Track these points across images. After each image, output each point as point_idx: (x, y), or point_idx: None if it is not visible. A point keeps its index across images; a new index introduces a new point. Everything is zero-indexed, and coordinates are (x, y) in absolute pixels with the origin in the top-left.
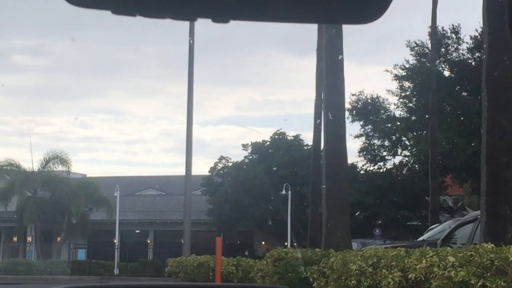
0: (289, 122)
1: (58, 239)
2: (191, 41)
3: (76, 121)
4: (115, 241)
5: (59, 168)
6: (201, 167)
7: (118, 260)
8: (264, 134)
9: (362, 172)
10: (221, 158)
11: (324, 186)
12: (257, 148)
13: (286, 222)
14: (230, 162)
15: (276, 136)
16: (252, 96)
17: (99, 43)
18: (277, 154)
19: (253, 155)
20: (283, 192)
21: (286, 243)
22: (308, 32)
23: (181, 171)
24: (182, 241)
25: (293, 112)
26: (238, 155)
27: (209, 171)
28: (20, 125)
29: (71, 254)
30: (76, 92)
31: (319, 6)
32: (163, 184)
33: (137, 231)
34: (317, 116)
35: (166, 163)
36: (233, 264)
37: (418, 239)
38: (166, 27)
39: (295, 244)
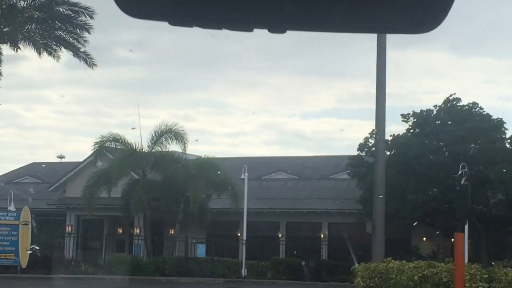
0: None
1: (172, 231)
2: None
3: (180, 114)
4: (239, 235)
5: (173, 146)
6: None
7: (245, 258)
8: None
9: None
10: (373, 132)
11: None
12: (422, 119)
13: (454, 213)
14: (389, 135)
15: (447, 105)
16: (354, 89)
17: (200, 36)
18: (449, 126)
19: (416, 129)
20: (459, 173)
21: (452, 240)
22: None
23: (316, 152)
24: (320, 236)
25: (394, 104)
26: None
27: (358, 149)
28: (123, 118)
29: (188, 250)
30: (179, 85)
31: (375, 17)
32: (295, 167)
33: (266, 223)
34: None
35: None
36: (482, 277)
37: None
38: None
39: (469, 240)
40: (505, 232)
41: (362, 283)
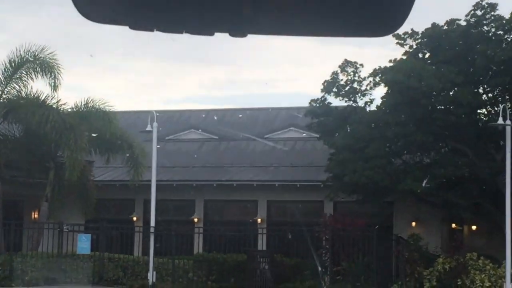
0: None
1: (36, 215)
2: None
3: None
4: (135, 219)
5: (39, 82)
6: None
7: (152, 254)
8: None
9: None
10: (346, 63)
11: None
12: (432, 38)
13: (473, 183)
14: (361, 71)
15: (473, 16)
16: (216, 76)
17: (57, 18)
18: (480, 48)
19: (423, 48)
20: (501, 121)
21: (454, 225)
22: None
23: (239, 102)
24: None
25: (257, 91)
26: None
27: (323, 90)
28: None
29: (64, 244)
30: None
31: (335, 20)
32: (213, 124)
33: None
34: None
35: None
36: None
37: None
38: None
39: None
40: None
41: None
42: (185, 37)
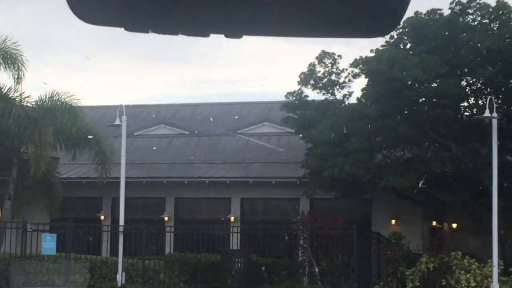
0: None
1: None
2: None
3: None
4: (103, 218)
5: (1, 74)
6: None
7: (121, 254)
8: None
9: None
10: (323, 54)
11: None
12: (416, 26)
13: (458, 179)
14: (339, 62)
15: (463, 0)
16: (185, 75)
17: (27, 15)
18: (466, 37)
19: (405, 38)
20: (487, 113)
21: (434, 223)
22: None
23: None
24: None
25: (226, 90)
26: None
27: (300, 82)
28: None
29: (28, 244)
30: None
31: (331, 21)
32: (183, 119)
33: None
34: None
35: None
36: None
37: None
38: None
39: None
40: None
41: None
42: (154, 36)
